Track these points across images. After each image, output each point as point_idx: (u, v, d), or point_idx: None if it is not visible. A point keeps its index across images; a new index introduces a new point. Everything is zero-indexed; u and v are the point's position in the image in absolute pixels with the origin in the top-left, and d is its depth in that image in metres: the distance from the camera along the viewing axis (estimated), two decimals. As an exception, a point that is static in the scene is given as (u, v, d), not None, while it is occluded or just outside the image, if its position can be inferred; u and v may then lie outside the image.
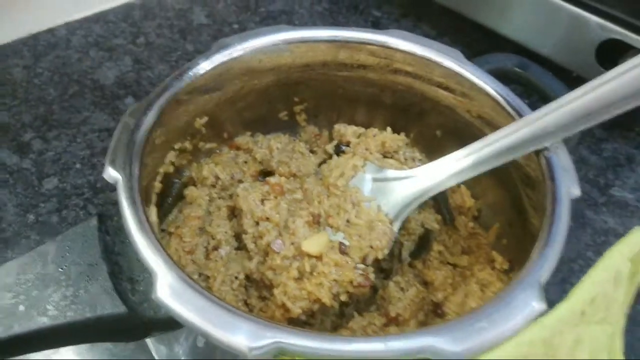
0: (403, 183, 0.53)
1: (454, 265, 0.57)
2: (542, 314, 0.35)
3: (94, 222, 0.41)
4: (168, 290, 0.33)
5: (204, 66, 0.51)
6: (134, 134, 0.43)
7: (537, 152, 0.46)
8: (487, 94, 0.52)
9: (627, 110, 0.43)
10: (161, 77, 0.89)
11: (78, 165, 0.74)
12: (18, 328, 0.34)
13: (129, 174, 0.40)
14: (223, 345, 0.31)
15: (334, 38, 0.56)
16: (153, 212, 0.44)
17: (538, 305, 0.34)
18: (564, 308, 0.35)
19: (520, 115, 0.49)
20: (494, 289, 0.54)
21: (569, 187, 0.43)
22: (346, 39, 0.57)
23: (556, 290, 0.67)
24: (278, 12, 1.03)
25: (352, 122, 0.67)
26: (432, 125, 0.64)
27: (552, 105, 0.46)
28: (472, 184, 0.61)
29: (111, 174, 0.40)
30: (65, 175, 0.73)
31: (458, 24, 1.00)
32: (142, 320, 0.37)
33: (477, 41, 0.96)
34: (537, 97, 0.56)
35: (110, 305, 0.36)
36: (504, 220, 0.60)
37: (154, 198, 0.48)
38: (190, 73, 0.50)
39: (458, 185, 0.60)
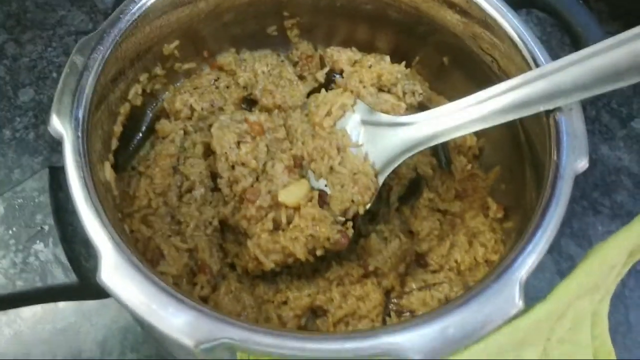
0: (397, 130, 0.47)
1: (444, 212, 0.54)
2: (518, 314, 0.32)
3: (45, 176, 0.38)
4: (113, 273, 0.31)
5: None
6: (82, 76, 0.38)
7: (547, 113, 0.40)
8: (503, 30, 0.44)
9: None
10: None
11: (54, 75, 0.69)
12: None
13: (76, 127, 0.36)
14: (169, 338, 0.30)
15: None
16: (107, 169, 0.40)
17: (514, 310, 0.31)
18: (541, 309, 0.32)
19: (536, 63, 0.42)
20: (484, 239, 0.51)
21: (575, 159, 0.37)
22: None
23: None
24: None
25: (351, 40, 0.60)
26: (440, 51, 0.56)
27: (574, 56, 0.38)
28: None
29: (56, 127, 0.36)
30: (42, 85, 0.68)
31: None
32: (95, 289, 0.35)
33: None
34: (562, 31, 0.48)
35: (61, 275, 0.35)
36: (505, 164, 0.55)
37: (114, 144, 0.44)
38: (150, -6, 0.42)
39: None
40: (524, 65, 0.43)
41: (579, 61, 0.38)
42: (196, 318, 0.30)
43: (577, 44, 0.46)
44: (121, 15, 0.41)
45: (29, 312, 0.54)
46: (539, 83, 0.39)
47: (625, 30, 0.36)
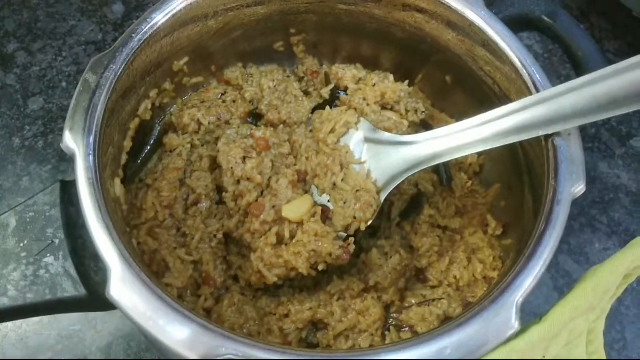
0: (399, 149, 0.48)
1: (444, 229, 0.55)
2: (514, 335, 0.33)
3: (57, 190, 0.39)
4: (122, 289, 0.32)
5: (176, 5, 0.44)
6: (95, 94, 0.39)
7: (546, 137, 0.41)
8: (504, 53, 0.45)
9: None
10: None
11: (64, 84, 0.70)
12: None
13: (88, 144, 0.37)
14: (175, 354, 0.31)
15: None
16: (118, 185, 0.41)
17: (510, 331, 0.32)
18: (536, 332, 0.33)
19: (536, 87, 0.43)
20: (482, 256, 0.52)
21: (573, 184, 0.38)
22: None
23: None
24: None
25: (356, 57, 0.61)
26: (443, 69, 0.57)
27: (574, 83, 0.39)
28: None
29: (69, 145, 0.37)
30: (52, 95, 0.69)
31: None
32: (104, 302, 0.36)
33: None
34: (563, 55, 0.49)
35: (70, 288, 0.36)
36: (505, 181, 0.56)
37: (123, 159, 0.45)
38: (160, 14, 0.43)
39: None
40: (525, 89, 0.44)
41: (578, 88, 0.39)
42: (202, 334, 0.31)
43: (577, 68, 0.47)
44: (133, 35, 0.42)
45: (35, 318, 0.55)
46: (539, 108, 0.40)
47: (626, 48, 0.36)
